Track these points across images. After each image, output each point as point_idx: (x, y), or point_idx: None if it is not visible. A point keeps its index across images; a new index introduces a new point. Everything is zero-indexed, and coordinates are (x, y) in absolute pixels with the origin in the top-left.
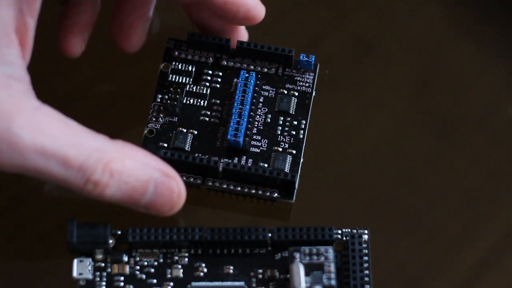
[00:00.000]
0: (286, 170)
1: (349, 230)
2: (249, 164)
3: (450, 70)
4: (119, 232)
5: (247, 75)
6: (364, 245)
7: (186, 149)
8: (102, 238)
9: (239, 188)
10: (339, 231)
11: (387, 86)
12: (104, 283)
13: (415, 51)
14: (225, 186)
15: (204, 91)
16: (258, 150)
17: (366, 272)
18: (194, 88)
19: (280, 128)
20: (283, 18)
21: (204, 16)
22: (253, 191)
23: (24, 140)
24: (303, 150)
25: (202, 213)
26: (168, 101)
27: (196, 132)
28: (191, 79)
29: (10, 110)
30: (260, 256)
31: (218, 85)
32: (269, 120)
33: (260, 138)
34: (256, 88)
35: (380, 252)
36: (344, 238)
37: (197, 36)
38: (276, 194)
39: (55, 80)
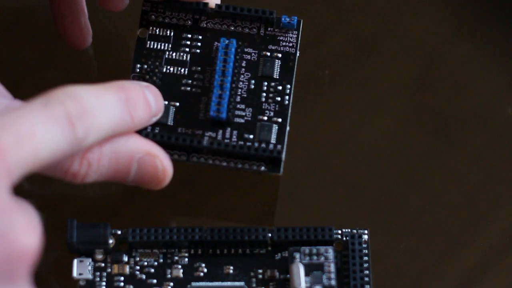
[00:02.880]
0: (272, 141)
1: (349, 230)
2: (234, 138)
3: (450, 70)
4: (119, 232)
5: (227, 41)
6: (364, 245)
7: (169, 123)
8: (102, 238)
9: (225, 164)
10: (339, 231)
11: (387, 86)
12: (104, 283)
13: (415, 51)
14: (210, 162)
15: (184, 58)
16: (242, 121)
17: (366, 272)
18: (174, 54)
19: (264, 94)
20: None
21: None
22: (240, 165)
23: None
24: (289, 118)
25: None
26: (148, 70)
27: (178, 104)
28: (170, 45)
29: None
30: (260, 256)
31: (198, 50)
32: (252, 87)
33: (244, 107)
34: (238, 50)
35: (380, 252)
36: (344, 238)
37: (173, 2)
38: (263, 168)
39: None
